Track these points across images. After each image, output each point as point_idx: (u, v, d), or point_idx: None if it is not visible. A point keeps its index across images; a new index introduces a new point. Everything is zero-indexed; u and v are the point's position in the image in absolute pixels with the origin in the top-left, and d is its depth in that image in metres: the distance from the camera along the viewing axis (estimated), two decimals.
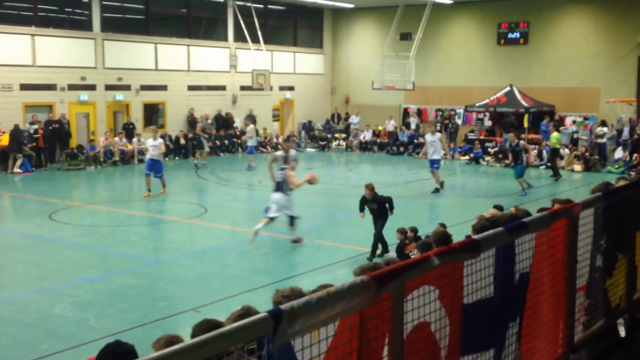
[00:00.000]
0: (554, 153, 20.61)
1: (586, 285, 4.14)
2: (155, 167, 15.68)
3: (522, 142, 17.11)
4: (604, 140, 22.15)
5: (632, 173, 17.79)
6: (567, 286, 3.83)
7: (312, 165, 22.37)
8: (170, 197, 16.54)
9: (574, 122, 23.65)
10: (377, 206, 10.66)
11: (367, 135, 26.86)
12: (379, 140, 26.77)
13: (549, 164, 21.72)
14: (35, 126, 20.15)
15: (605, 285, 4.39)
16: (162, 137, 19.58)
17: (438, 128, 23.24)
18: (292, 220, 11.45)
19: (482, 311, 3.06)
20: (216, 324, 2.78)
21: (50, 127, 20.42)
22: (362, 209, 10.86)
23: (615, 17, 23.52)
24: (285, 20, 28.87)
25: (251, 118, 24.05)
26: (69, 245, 11.40)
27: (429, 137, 17.61)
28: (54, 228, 12.70)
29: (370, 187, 10.71)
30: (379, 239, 10.48)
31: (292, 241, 11.58)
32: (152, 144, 15.77)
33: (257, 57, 25.17)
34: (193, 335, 2.72)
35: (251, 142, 21.41)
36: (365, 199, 10.76)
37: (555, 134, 20.88)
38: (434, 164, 17.14)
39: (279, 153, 12.54)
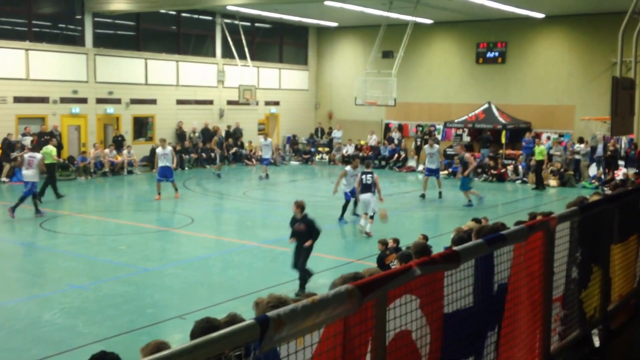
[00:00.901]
0: (539, 166, 21.49)
1: (562, 297, 4.20)
2: (167, 174, 17.16)
3: (467, 154, 18.16)
4: (577, 156, 22.94)
5: (606, 188, 18.48)
6: (543, 297, 3.89)
7: (296, 178, 22.97)
8: (157, 207, 17.01)
9: (549, 138, 24.45)
10: (305, 228, 9.59)
11: (349, 149, 27.52)
12: (361, 154, 27.43)
13: (525, 179, 22.54)
14: (30, 137, 20.60)
15: (581, 296, 4.45)
16: (173, 147, 20.97)
17: (437, 140, 23.85)
18: (372, 216, 13.39)
19: (461, 321, 3.11)
20: (217, 325, 2.83)
21: (43, 139, 20.85)
22: (292, 234, 9.80)
23: (589, 38, 24.37)
24: (272, 37, 29.57)
25: (264, 135, 24.11)
26: (59, 253, 11.69)
27: (427, 149, 18.86)
28: (44, 236, 13.01)
29: (299, 205, 9.72)
30: (304, 271, 9.49)
31: (366, 234, 13.18)
32: (162, 153, 17.18)
33: (243, 72, 25.81)
34: (193, 332, 2.92)
35: (266, 154, 22.15)
36: (295, 219, 9.76)
37: (539, 148, 21.78)
38: (434, 172, 18.43)
39: (348, 169, 14.98)
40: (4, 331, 7.94)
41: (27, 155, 15.15)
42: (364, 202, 13.53)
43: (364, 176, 13.54)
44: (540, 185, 21.30)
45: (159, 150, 17.43)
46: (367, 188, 13.41)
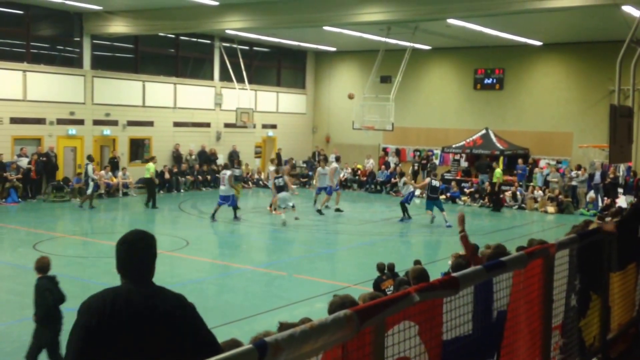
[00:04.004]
0: (493, 188, 22.15)
1: (561, 325, 4.18)
2: (226, 198, 17.92)
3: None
4: (575, 183, 22.94)
5: (605, 216, 18.43)
6: (543, 325, 3.88)
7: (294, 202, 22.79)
8: (152, 230, 16.81)
9: (548, 164, 24.49)
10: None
11: (346, 173, 27.49)
12: (356, 177, 27.43)
13: (523, 205, 22.48)
14: (28, 158, 20.51)
15: (580, 324, 4.46)
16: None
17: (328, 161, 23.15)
18: (293, 206, 17.45)
19: (460, 347, 3.08)
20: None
21: (38, 160, 20.77)
22: None
23: (587, 66, 24.57)
24: (270, 61, 29.74)
25: (324, 159, 23.21)
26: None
27: (320, 170, 20.53)
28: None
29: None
30: None
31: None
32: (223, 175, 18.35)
33: (241, 96, 25.87)
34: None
35: (324, 183, 20.29)
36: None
37: (496, 171, 22.21)
38: (325, 189, 20.12)
39: (319, 168, 20.25)
40: None
41: (221, 173, 18.42)
42: (282, 199, 17.13)
43: (277, 180, 17.42)
44: (496, 207, 21.86)
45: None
46: (281, 188, 17.24)
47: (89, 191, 19.50)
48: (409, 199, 19.19)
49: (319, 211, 19.69)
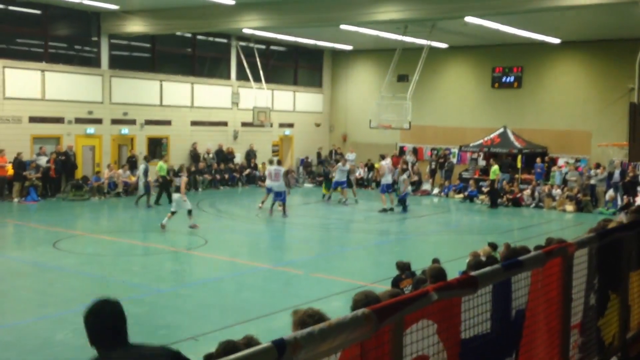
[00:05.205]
0: (492, 185, 22.07)
1: (580, 324, 4.18)
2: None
3: (404, 176, 20.54)
4: (594, 181, 22.68)
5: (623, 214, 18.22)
6: (561, 324, 3.87)
7: (309, 200, 22.85)
8: (171, 228, 16.95)
9: (567, 163, 24.24)
10: None
11: (362, 172, 27.41)
12: (370, 175, 27.36)
13: (541, 204, 22.25)
14: (47, 157, 20.74)
15: (599, 323, 4.45)
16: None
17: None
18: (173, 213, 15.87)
19: (479, 346, 3.08)
20: (239, 349, 2.89)
21: (57, 159, 20.99)
22: None
23: (606, 64, 24.26)
24: (287, 60, 29.75)
25: (343, 158, 24.05)
26: (72, 273, 11.63)
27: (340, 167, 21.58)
28: (57, 256, 12.96)
29: None
30: None
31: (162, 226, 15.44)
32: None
33: (258, 95, 25.91)
34: (215, 354, 2.90)
35: (339, 177, 21.43)
36: None
37: (493, 167, 22.13)
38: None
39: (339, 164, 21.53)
40: (16, 351, 7.87)
41: (272, 169, 18.52)
42: (175, 201, 16.21)
43: (176, 178, 16.68)
44: (494, 204, 21.73)
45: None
46: (177, 189, 16.35)
47: (142, 191, 19.72)
48: (406, 195, 19.94)
49: (343, 202, 21.26)
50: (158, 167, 20.46)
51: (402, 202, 19.88)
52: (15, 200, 19.86)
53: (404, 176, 20.50)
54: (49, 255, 13.05)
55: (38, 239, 14.92)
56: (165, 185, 20.25)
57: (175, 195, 16.05)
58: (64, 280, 11.27)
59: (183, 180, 15.98)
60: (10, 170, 19.82)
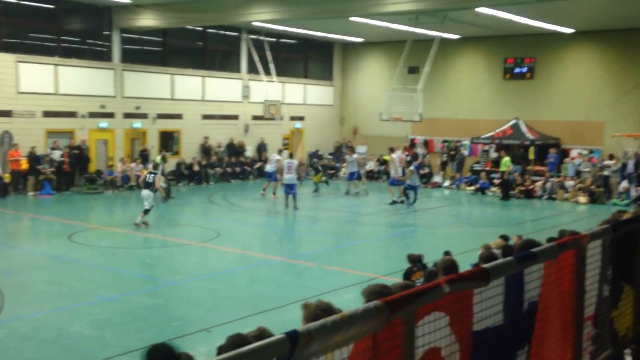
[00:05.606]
0: (506, 176, 21.92)
1: (593, 315, 4.16)
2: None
3: (412, 167, 20.25)
4: (607, 172, 22.50)
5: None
6: (574, 316, 3.85)
7: (320, 193, 22.88)
8: (184, 221, 17.09)
9: (580, 154, 24.06)
10: None
11: (372, 165, 27.40)
12: (382, 167, 27.33)
13: (553, 196, 22.12)
14: (61, 151, 20.95)
15: (612, 315, 4.44)
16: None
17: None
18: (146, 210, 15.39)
19: (491, 338, 3.09)
20: (249, 341, 2.87)
21: (71, 153, 21.19)
22: None
23: (620, 54, 24.02)
24: (297, 53, 29.73)
25: (351, 149, 24.90)
26: (87, 265, 11.77)
27: (348, 158, 22.16)
28: (72, 249, 13.10)
29: None
30: None
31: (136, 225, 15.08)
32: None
33: (268, 88, 25.94)
34: (224, 347, 2.91)
35: (351, 169, 22.19)
36: None
37: (504, 159, 21.93)
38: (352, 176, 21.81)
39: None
40: (34, 342, 7.98)
41: (286, 162, 18.71)
42: (143, 196, 15.56)
43: (149, 175, 15.84)
44: (505, 196, 21.64)
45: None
46: (147, 185, 15.65)
47: (164, 185, 19.65)
48: (411, 186, 19.79)
49: (354, 193, 21.65)
50: (158, 160, 20.74)
51: (407, 193, 19.67)
52: (30, 193, 20.10)
53: (411, 167, 20.48)
54: (65, 248, 13.19)
55: (53, 232, 15.09)
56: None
57: (144, 192, 15.51)
58: (80, 272, 11.41)
59: (157, 177, 15.62)
60: (25, 165, 20.04)
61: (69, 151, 21.04)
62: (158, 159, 21.07)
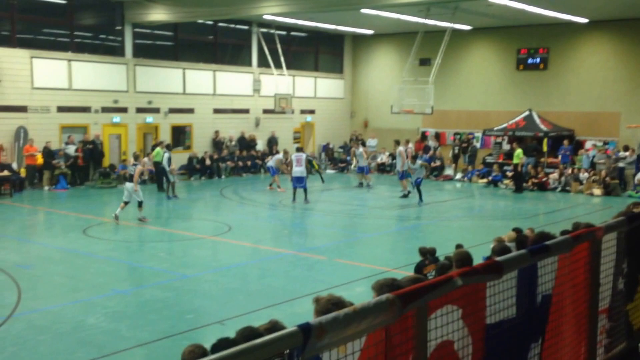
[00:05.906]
0: (516, 169, 21.76)
1: (608, 308, 4.14)
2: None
3: (419, 161, 20.08)
4: (622, 164, 22.29)
5: None
6: (589, 309, 3.83)
7: (332, 187, 22.91)
8: (195, 215, 17.19)
9: (594, 146, 23.84)
10: None
11: (383, 158, 27.36)
12: (394, 161, 27.23)
13: (567, 188, 21.96)
14: (75, 146, 21.16)
15: (627, 308, 4.41)
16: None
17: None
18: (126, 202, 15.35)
19: (504, 331, 3.08)
20: (260, 334, 2.91)
21: (85, 147, 21.40)
22: None
23: (635, 44, 23.72)
24: (307, 46, 29.69)
25: (359, 141, 25.17)
26: (102, 259, 11.90)
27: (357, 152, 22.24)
28: (87, 243, 13.25)
29: None
30: None
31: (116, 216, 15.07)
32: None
33: (279, 81, 25.95)
34: (235, 340, 2.94)
35: (362, 163, 22.38)
36: None
37: (517, 151, 21.73)
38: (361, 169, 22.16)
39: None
40: (50, 334, 8.09)
41: (294, 156, 18.98)
42: (126, 190, 15.46)
43: (132, 167, 16.04)
44: (518, 189, 21.48)
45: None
46: (131, 178, 15.64)
47: (172, 179, 19.73)
48: (419, 181, 19.39)
49: (366, 185, 22.12)
50: (155, 153, 20.41)
51: (420, 190, 19.24)
52: (46, 188, 20.34)
53: (419, 161, 20.33)
54: (80, 242, 13.34)
55: (69, 225, 15.25)
56: (161, 171, 20.03)
57: (127, 185, 15.42)
58: (95, 265, 11.53)
59: (137, 169, 15.49)
60: (40, 159, 20.27)
61: (82, 146, 21.25)
62: (155, 151, 20.69)
